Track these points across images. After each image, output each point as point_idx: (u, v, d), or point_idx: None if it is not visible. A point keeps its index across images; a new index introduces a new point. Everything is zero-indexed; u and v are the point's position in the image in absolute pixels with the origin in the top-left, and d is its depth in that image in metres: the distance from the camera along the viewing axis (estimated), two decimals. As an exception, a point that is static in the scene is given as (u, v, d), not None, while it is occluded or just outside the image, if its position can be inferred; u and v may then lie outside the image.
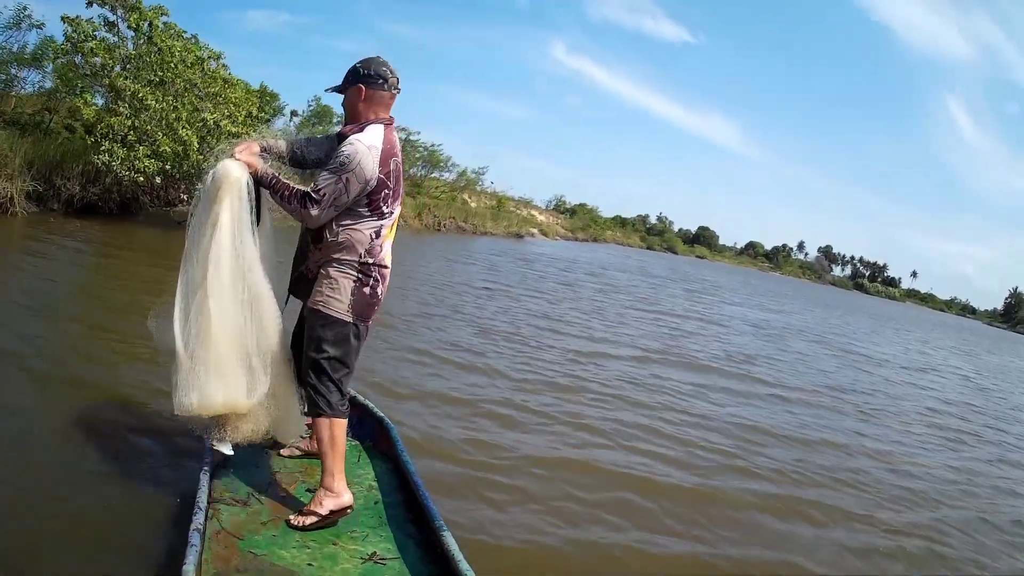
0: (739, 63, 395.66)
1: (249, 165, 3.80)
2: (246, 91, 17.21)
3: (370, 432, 4.90)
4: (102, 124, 14.85)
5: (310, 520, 3.75)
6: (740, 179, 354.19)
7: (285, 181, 3.78)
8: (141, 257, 12.66)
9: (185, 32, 16.56)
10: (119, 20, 15.89)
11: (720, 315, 23.38)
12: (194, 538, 3.13)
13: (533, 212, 65.26)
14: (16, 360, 6.17)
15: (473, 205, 47.20)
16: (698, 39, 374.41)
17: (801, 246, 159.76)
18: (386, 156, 3.73)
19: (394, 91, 3.87)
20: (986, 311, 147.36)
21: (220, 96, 15.78)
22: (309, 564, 3.44)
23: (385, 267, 3.92)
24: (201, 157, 14.60)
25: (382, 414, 4.93)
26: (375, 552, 3.61)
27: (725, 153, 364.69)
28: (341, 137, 3.86)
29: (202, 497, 3.52)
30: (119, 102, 15.18)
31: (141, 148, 14.52)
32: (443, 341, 10.16)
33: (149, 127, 14.72)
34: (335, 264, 3.83)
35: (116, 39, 15.95)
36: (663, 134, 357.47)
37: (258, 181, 3.82)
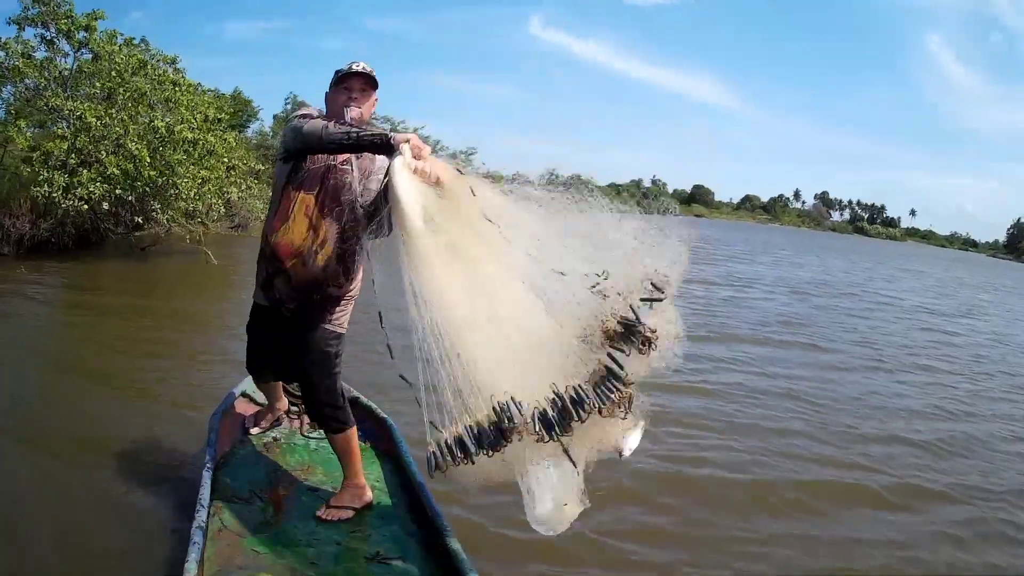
0: (718, 20, 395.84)
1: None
2: (199, 93, 15.18)
3: (373, 432, 4.83)
4: (38, 152, 12.94)
5: (345, 515, 3.84)
6: (731, 135, 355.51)
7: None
8: (107, 302, 10.78)
9: (133, 38, 14.72)
10: (56, 37, 14.00)
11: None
12: (196, 536, 3.15)
13: (528, 190, 63.20)
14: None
15: None
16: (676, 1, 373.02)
17: (797, 195, 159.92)
18: None
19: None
20: (987, 243, 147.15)
21: (171, 101, 13.93)
22: (312, 563, 3.41)
23: None
24: (155, 173, 12.79)
25: (385, 414, 4.92)
26: (378, 551, 3.59)
27: (713, 111, 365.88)
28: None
29: (204, 495, 3.55)
30: (57, 124, 13.51)
31: (85, 172, 12.55)
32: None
33: (90, 147, 12.80)
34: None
35: (49, 55, 14.16)
36: (649, 98, 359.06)
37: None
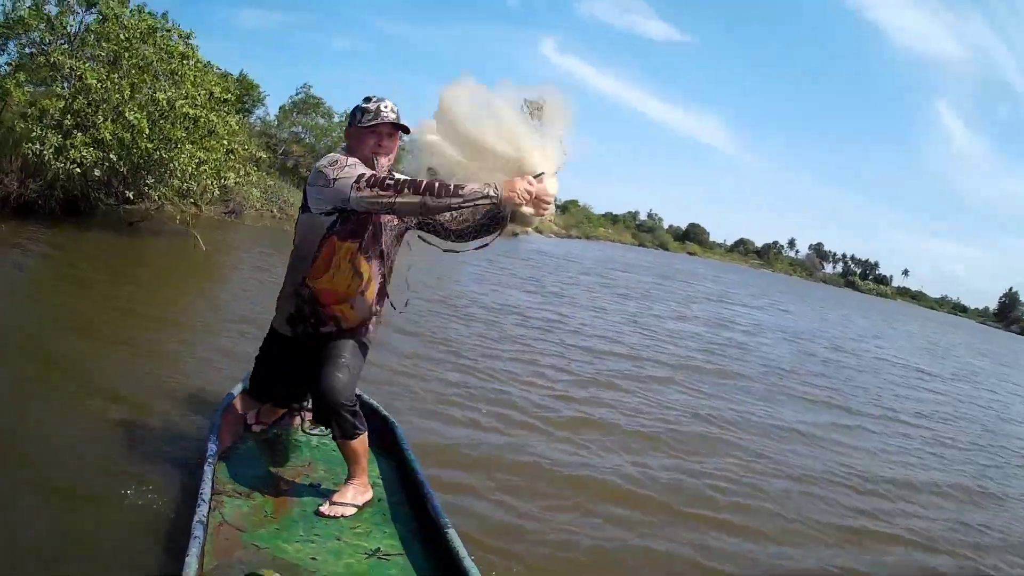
0: (729, 63, 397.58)
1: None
2: (206, 69, 14.57)
3: (375, 430, 4.65)
4: (34, 107, 12.37)
5: (348, 512, 3.89)
6: (729, 177, 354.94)
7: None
8: (90, 275, 10.27)
9: (146, 6, 14.04)
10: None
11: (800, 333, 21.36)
12: (197, 530, 3.13)
13: (527, 210, 62.61)
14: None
15: None
16: (687, 38, 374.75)
17: (792, 243, 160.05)
18: None
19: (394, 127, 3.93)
20: (976, 309, 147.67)
21: (177, 74, 13.23)
22: (312, 558, 3.41)
23: None
24: (151, 145, 12.19)
25: (387, 412, 5.01)
26: (379, 548, 3.62)
27: (714, 152, 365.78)
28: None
29: (205, 489, 3.51)
30: (56, 82, 12.89)
31: (79, 135, 11.93)
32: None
33: (88, 110, 12.20)
34: None
35: (60, 11, 13.62)
36: (652, 132, 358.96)
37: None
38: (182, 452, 4.68)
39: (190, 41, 14.44)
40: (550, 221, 63.02)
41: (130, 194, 13.04)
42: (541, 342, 11.44)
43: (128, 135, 12.08)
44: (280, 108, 29.07)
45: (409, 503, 4.17)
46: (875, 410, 11.84)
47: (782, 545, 5.58)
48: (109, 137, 11.87)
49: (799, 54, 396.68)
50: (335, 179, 3.62)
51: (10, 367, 5.86)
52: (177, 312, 9.19)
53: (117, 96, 12.10)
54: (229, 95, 14.60)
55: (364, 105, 3.84)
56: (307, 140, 28.89)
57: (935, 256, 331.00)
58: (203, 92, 13.21)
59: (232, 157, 14.10)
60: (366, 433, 3.99)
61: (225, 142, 13.76)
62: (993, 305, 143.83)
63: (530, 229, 51.92)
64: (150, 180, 12.58)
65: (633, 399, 8.91)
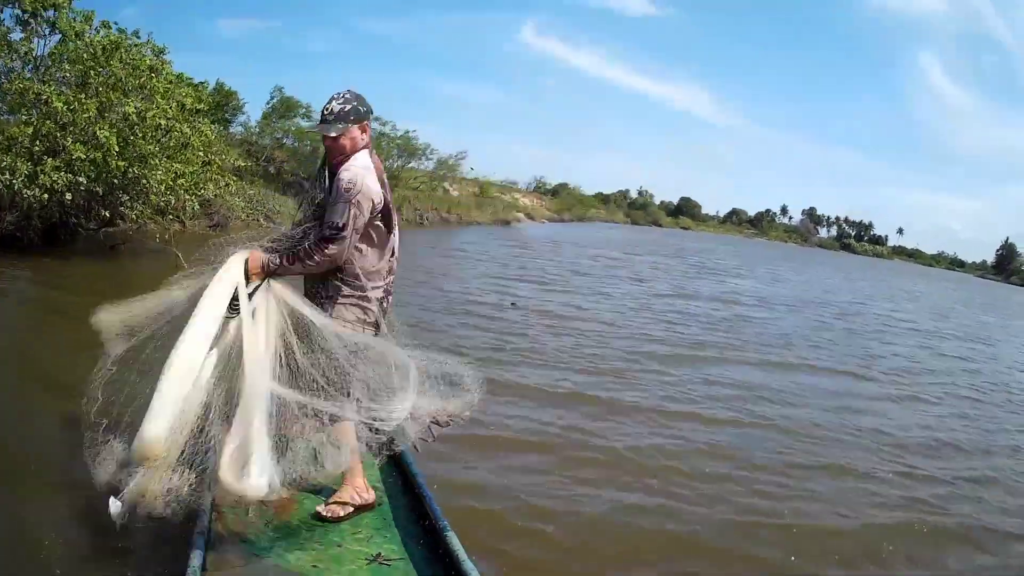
0: (707, 31, 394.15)
1: (252, 260, 3.86)
2: (175, 79, 14.10)
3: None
4: (2, 136, 11.94)
5: (343, 512, 3.92)
6: (718, 148, 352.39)
7: (292, 249, 3.85)
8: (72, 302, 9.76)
9: (111, 23, 13.51)
10: (30, 18, 12.98)
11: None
12: (198, 540, 3.18)
13: (516, 196, 63.20)
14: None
15: (455, 194, 45.52)
16: (664, 11, 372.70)
17: (784, 210, 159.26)
18: (380, 174, 3.94)
19: (367, 123, 4.01)
20: (974, 263, 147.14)
21: (146, 88, 12.78)
22: (314, 566, 3.42)
23: (390, 288, 4.13)
24: (124, 163, 11.78)
25: None
26: (380, 553, 3.61)
27: (700, 123, 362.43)
28: (331, 174, 3.95)
29: (205, 499, 3.43)
30: (23, 108, 12.43)
31: (49, 161, 11.54)
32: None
33: (57, 133, 11.78)
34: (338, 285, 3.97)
35: (25, 36, 13.11)
36: (637, 108, 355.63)
37: (271, 273, 3.85)
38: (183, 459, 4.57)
39: (163, 56, 14.01)
40: (541, 206, 64.48)
41: (107, 213, 12.64)
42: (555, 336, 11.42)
43: (99, 154, 11.67)
44: (262, 114, 28.60)
45: (409, 507, 4.19)
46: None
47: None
48: (83, 157, 11.47)
49: (778, 15, 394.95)
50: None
51: (8, 390, 6.07)
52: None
53: (85, 116, 11.68)
54: (201, 105, 14.14)
55: (368, 103, 4.01)
56: (289, 144, 28.41)
57: (929, 211, 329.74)
58: (174, 104, 12.77)
59: (209, 169, 13.59)
60: (349, 427, 3.83)
61: (201, 153, 13.25)
62: (991, 257, 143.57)
63: (521, 215, 53.04)
64: (125, 199, 12.13)
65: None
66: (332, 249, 3.74)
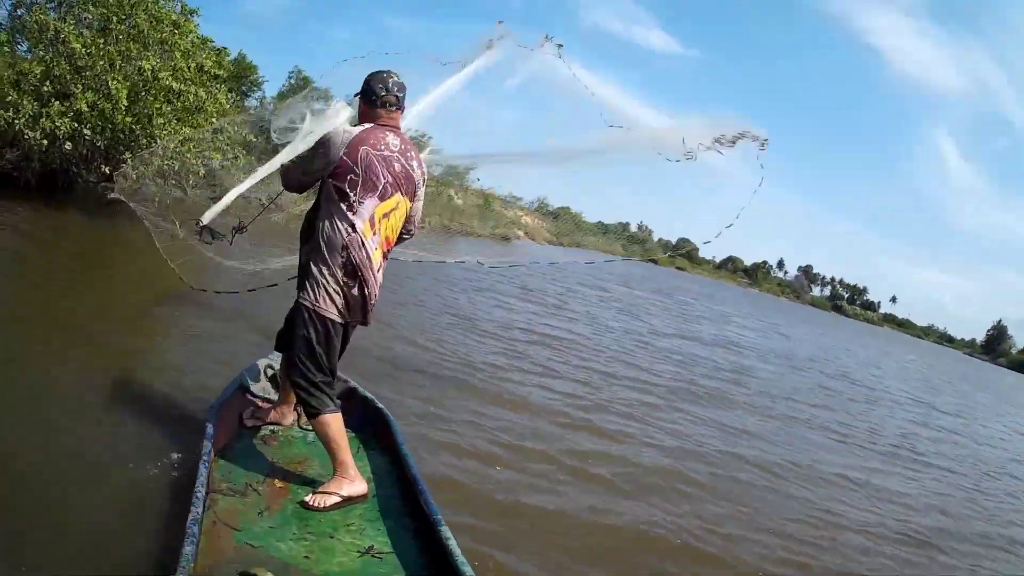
0: (727, 80, 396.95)
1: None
2: (199, 41, 13.54)
3: (370, 424, 4.86)
4: (11, 70, 11.44)
5: (330, 501, 3.89)
6: (720, 197, 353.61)
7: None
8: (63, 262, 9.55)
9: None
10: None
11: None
12: (192, 528, 3.13)
13: (519, 213, 62.49)
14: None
15: (459, 202, 44.42)
16: (688, 51, 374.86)
17: (780, 264, 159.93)
18: (356, 143, 3.98)
19: (388, 107, 4.16)
20: (963, 340, 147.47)
21: (167, 44, 12.17)
22: (306, 556, 3.41)
23: (366, 269, 4.02)
24: (131, 119, 11.24)
25: (382, 406, 4.96)
26: (372, 545, 3.60)
27: (708, 169, 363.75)
28: None
29: (200, 487, 3.49)
30: (39, 45, 11.85)
31: (56, 104, 10.98)
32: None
33: (69, 76, 11.21)
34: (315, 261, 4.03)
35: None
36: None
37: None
38: (177, 450, 4.61)
39: (192, 16, 13.40)
40: (541, 227, 64.13)
41: (107, 169, 11.88)
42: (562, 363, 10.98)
43: (108, 105, 11.15)
44: (278, 93, 27.91)
45: (403, 499, 4.14)
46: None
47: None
48: (86, 108, 10.92)
49: (798, 76, 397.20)
50: None
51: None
52: (159, 313, 8.84)
53: (101, 64, 11.17)
54: (222, 71, 13.53)
55: (376, 87, 4.22)
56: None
57: (923, 285, 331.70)
58: (193, 65, 12.23)
59: (219, 137, 12.93)
60: (336, 418, 4.05)
61: (214, 120, 12.55)
62: (979, 336, 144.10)
63: (521, 234, 52.49)
64: (127, 156, 11.33)
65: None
66: (286, 169, 4.28)
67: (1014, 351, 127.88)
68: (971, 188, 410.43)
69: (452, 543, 3.44)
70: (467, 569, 3.25)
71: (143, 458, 4.51)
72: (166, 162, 11.59)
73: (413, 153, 4.20)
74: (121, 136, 11.50)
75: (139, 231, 11.79)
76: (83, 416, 4.99)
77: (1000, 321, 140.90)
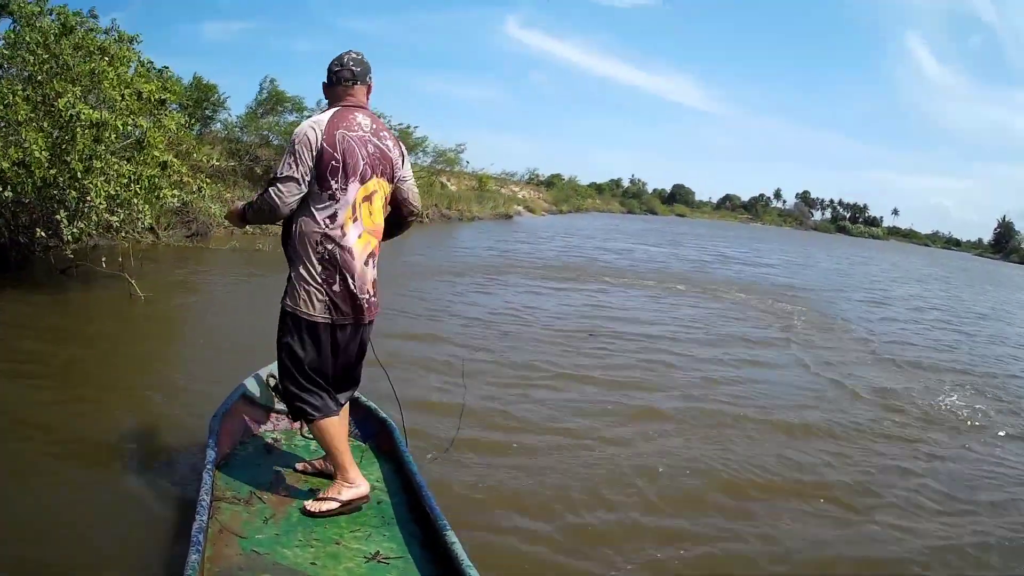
0: (694, 21, 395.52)
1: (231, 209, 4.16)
2: (143, 69, 11.45)
3: (373, 432, 4.92)
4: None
5: (326, 506, 3.88)
6: (709, 136, 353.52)
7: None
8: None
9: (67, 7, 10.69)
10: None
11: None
12: (197, 537, 3.16)
13: (514, 188, 61.65)
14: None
15: (453, 188, 43.71)
16: (649, 2, 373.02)
17: (778, 194, 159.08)
18: (331, 128, 3.83)
19: (344, 83, 4.03)
20: (970, 242, 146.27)
21: (96, 74, 9.94)
22: (312, 563, 3.43)
23: (350, 261, 3.89)
24: (54, 171, 9.21)
25: (385, 415, 4.97)
26: (378, 551, 3.60)
27: (691, 112, 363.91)
28: None
29: (204, 496, 3.53)
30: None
31: (-34, 165, 9.00)
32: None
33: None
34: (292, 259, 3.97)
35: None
36: (624, 99, 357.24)
37: (241, 216, 4.06)
38: (180, 459, 4.78)
39: (132, 44, 11.41)
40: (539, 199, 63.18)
41: (42, 232, 9.91)
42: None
43: (44, 155, 9.13)
44: (246, 110, 25.66)
45: (408, 506, 4.10)
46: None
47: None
48: (7, 166, 8.94)
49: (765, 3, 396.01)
50: None
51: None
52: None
53: (13, 113, 9.22)
54: (169, 95, 11.28)
55: (333, 67, 4.07)
56: (276, 142, 25.38)
57: (922, 192, 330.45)
58: (128, 92, 10.08)
59: (171, 170, 10.64)
60: (325, 422, 3.96)
61: (156, 153, 10.30)
62: (986, 236, 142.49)
63: (521, 208, 51.53)
64: (62, 214, 9.42)
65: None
66: (277, 192, 3.79)
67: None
68: (951, 88, 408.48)
69: (458, 547, 3.37)
70: (473, 573, 3.18)
71: (147, 468, 4.67)
72: (106, 215, 9.65)
73: (386, 133, 4.08)
74: (52, 192, 9.57)
75: (93, 300, 10.20)
76: (87, 427, 5.20)
77: (1005, 218, 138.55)
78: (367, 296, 3.94)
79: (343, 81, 4.00)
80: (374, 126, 3.99)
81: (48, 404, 5.82)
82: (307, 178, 3.78)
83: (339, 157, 3.79)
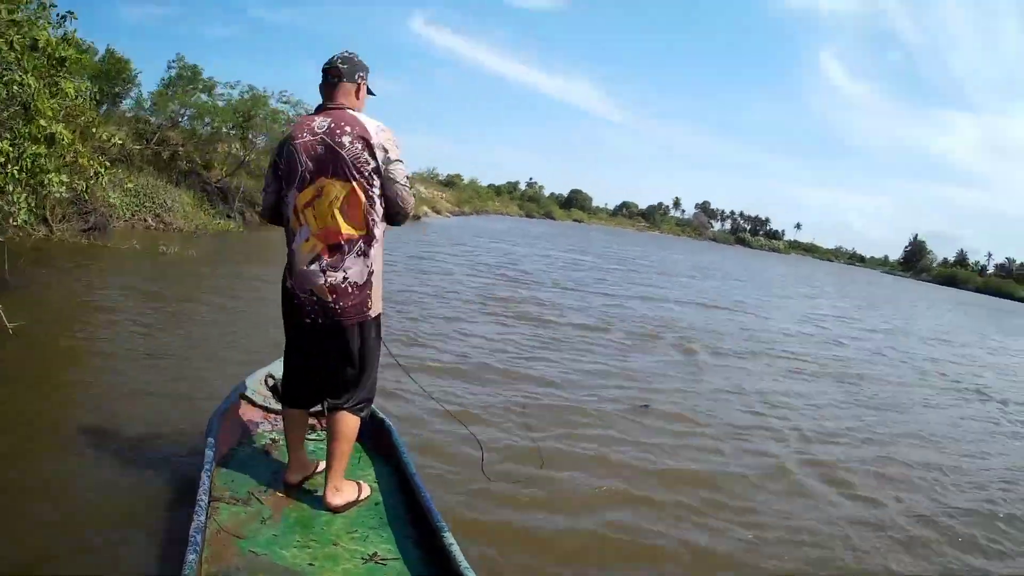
0: (600, 27, 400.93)
1: None
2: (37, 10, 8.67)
3: (370, 433, 4.75)
4: None
5: (342, 501, 3.91)
6: (608, 141, 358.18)
7: None
8: None
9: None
10: None
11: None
12: (194, 537, 3.15)
13: (420, 188, 59.67)
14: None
15: None
16: (556, 4, 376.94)
17: (677, 203, 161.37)
18: (285, 139, 3.91)
19: (330, 82, 3.96)
20: (875, 258, 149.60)
21: None
22: (310, 564, 3.40)
23: (293, 263, 3.89)
24: None
25: (383, 415, 4.86)
26: (376, 552, 3.57)
27: (590, 116, 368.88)
28: None
29: (202, 496, 3.52)
30: None
31: None
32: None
33: None
34: None
35: None
36: (527, 101, 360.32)
37: None
38: (178, 459, 4.69)
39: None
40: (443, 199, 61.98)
41: None
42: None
43: None
44: (157, 88, 22.43)
45: (406, 506, 4.06)
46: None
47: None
48: None
49: (676, 11, 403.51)
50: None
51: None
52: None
53: None
54: (71, 51, 8.46)
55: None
56: (185, 124, 22.55)
57: (829, 207, 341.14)
58: (18, 39, 7.35)
59: (61, 146, 7.76)
60: (289, 413, 4.10)
61: (44, 123, 7.52)
62: (892, 254, 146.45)
63: (427, 209, 50.08)
64: None
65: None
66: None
67: (935, 265, 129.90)
68: (865, 105, 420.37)
69: (455, 548, 3.33)
70: (471, 574, 3.16)
71: (145, 467, 4.53)
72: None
73: (349, 129, 3.79)
74: None
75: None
76: (85, 427, 4.98)
77: (917, 236, 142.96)
78: (306, 296, 3.85)
79: (329, 79, 3.99)
80: (331, 124, 3.85)
81: None
82: (270, 188, 3.99)
83: (283, 167, 3.87)
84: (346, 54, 3.98)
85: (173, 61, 22.21)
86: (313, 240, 3.80)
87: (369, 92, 4.10)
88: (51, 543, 3.58)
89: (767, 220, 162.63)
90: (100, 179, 9.03)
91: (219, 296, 10.45)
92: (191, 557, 2.93)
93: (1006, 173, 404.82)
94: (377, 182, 3.82)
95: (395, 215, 4.04)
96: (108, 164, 9.26)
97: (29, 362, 6.44)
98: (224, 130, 22.41)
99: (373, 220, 3.82)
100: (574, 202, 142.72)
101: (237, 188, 22.31)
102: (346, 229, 3.81)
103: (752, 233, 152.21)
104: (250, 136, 23.33)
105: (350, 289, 3.80)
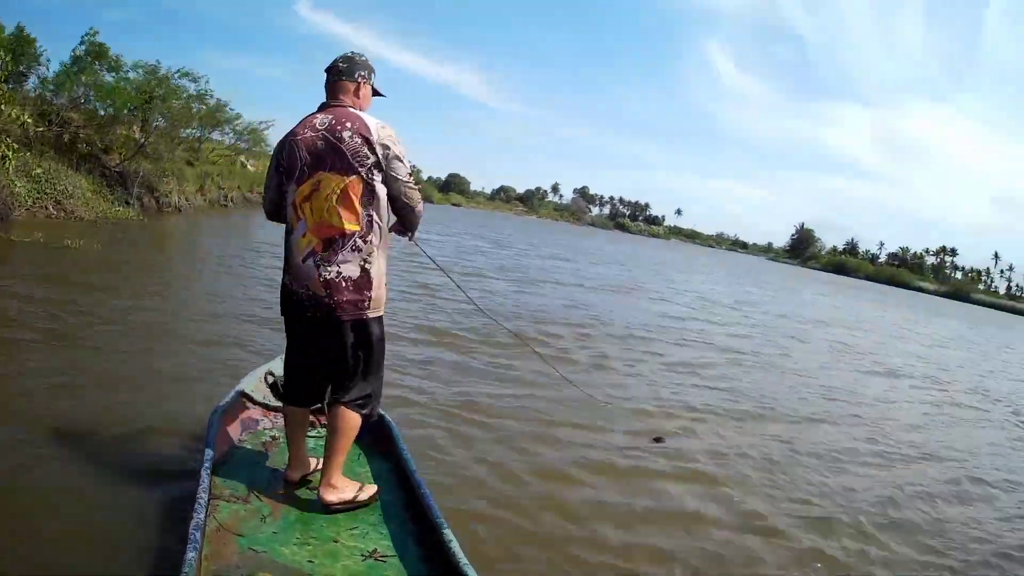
0: (484, 12, 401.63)
1: None
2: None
3: (370, 430, 4.64)
4: None
5: (339, 498, 3.88)
6: (488, 127, 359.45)
7: None
8: None
9: None
10: None
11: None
12: (194, 535, 3.14)
13: None
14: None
15: (252, 170, 39.43)
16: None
17: (556, 188, 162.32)
18: (285, 137, 3.91)
19: (332, 79, 4.00)
20: (757, 245, 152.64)
21: None
22: (309, 561, 3.39)
23: (290, 258, 3.93)
24: None
25: (382, 411, 4.72)
26: (375, 549, 3.57)
27: (471, 102, 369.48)
28: None
29: (202, 494, 3.51)
30: None
31: None
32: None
33: None
34: None
35: None
36: (407, 84, 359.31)
37: None
38: (178, 457, 4.67)
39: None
40: None
41: None
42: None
43: None
44: (61, 66, 20.86)
45: (405, 503, 4.07)
46: None
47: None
48: None
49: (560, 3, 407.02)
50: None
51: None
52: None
53: None
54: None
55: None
56: (89, 106, 21.19)
57: (710, 196, 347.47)
58: None
59: None
60: (291, 411, 4.10)
61: None
62: (776, 242, 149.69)
63: None
64: None
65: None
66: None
67: (824, 253, 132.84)
68: (752, 96, 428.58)
69: (455, 545, 3.34)
70: (470, 571, 3.16)
71: (144, 465, 4.51)
72: None
73: (350, 124, 3.79)
74: None
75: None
76: (85, 424, 4.95)
77: (804, 224, 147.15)
78: (303, 291, 3.84)
79: (330, 77, 4.00)
80: (332, 120, 3.84)
81: None
82: (272, 185, 3.97)
83: (285, 163, 3.87)
84: (349, 54, 4.06)
85: (85, 35, 20.93)
86: (309, 235, 3.82)
87: (377, 93, 4.12)
88: (51, 543, 3.57)
89: (647, 206, 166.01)
90: (8, 163, 8.25)
91: (163, 300, 9.54)
92: (191, 555, 2.97)
93: (898, 166, 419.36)
94: (378, 177, 3.82)
95: (405, 216, 4.09)
96: (16, 147, 8.44)
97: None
98: (126, 111, 21.24)
99: (371, 216, 3.80)
100: (452, 186, 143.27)
101: (136, 173, 21.02)
102: (341, 224, 3.81)
103: (632, 218, 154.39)
104: (149, 119, 22.17)
105: (344, 284, 3.78)
